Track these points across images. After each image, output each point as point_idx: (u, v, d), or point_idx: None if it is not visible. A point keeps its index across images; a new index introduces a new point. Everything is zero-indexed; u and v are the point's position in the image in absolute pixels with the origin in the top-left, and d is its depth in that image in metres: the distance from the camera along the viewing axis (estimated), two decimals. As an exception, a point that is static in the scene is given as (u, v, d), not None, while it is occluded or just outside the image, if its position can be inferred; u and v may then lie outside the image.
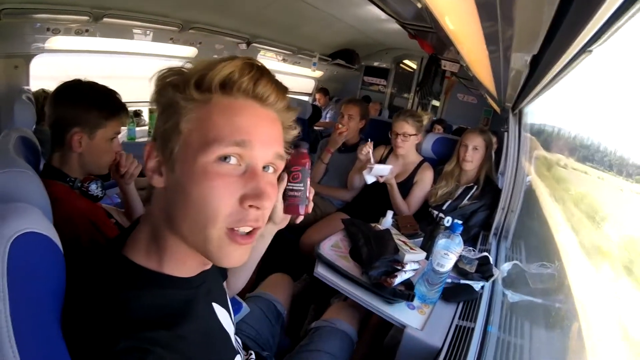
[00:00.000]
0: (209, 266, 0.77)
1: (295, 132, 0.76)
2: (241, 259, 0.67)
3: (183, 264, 0.71)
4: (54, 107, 1.26)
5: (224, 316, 0.86)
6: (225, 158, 0.61)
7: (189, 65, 0.66)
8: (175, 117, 0.63)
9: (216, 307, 0.84)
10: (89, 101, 1.27)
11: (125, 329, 0.59)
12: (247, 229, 0.65)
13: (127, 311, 0.61)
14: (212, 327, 0.81)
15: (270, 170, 0.69)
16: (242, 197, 0.62)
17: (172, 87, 0.63)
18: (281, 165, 0.71)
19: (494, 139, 4.50)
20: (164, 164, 0.65)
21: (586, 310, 0.96)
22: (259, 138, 0.64)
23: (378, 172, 2.36)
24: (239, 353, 0.93)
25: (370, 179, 2.37)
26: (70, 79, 1.30)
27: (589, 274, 1.08)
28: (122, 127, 1.42)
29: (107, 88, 1.33)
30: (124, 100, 1.36)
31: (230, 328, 0.89)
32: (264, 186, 0.63)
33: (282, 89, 0.68)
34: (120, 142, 1.42)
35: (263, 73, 0.65)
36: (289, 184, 0.91)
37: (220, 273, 0.98)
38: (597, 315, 0.89)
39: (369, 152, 2.38)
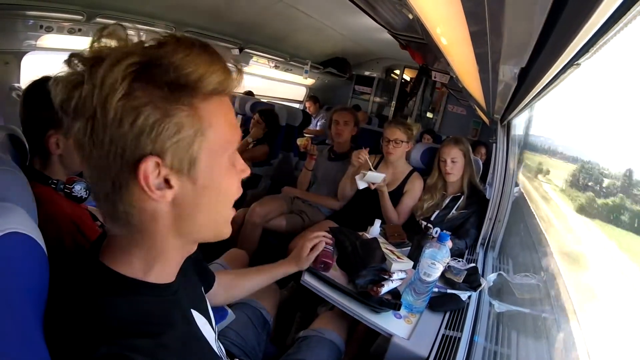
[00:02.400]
0: (180, 265, 0.76)
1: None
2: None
3: (168, 269, 0.70)
4: (25, 109, 1.19)
5: (203, 323, 0.85)
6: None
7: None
8: (187, 127, 0.60)
9: (195, 313, 0.82)
10: None
11: (105, 335, 0.57)
12: None
13: (105, 318, 0.60)
14: (192, 334, 0.79)
15: None
16: (237, 175, 0.70)
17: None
18: None
19: (483, 150, 4.56)
20: (177, 175, 0.61)
21: (573, 319, 0.97)
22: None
23: (371, 178, 2.37)
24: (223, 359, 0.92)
25: (361, 185, 2.39)
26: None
27: (576, 282, 1.09)
28: None
29: None
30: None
31: (210, 335, 0.87)
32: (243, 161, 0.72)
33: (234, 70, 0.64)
34: None
35: (222, 61, 0.61)
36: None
37: (199, 279, 0.97)
38: (583, 324, 0.90)
39: (366, 158, 2.40)
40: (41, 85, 1.21)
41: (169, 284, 0.72)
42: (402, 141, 2.49)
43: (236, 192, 0.70)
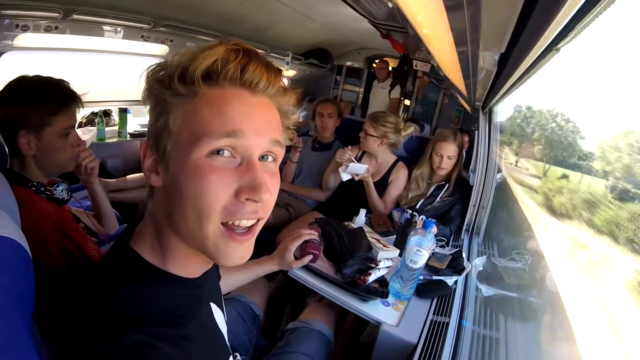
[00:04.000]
0: (210, 265, 0.75)
1: (295, 116, 0.71)
2: (243, 257, 0.64)
3: (187, 265, 0.69)
4: None
5: (219, 316, 0.86)
6: (217, 152, 0.58)
7: (177, 57, 0.62)
8: (164, 115, 0.60)
9: (213, 307, 0.83)
10: (29, 99, 1.17)
11: (132, 323, 0.58)
12: (246, 223, 0.62)
13: (132, 307, 0.61)
14: (211, 328, 0.80)
15: (270, 159, 0.65)
16: (238, 191, 0.59)
17: (158, 83, 0.61)
18: (281, 152, 0.66)
19: (466, 138, 4.60)
20: (159, 163, 0.63)
21: (560, 302, 0.98)
22: (252, 127, 0.60)
23: (353, 170, 2.38)
24: (231, 353, 0.92)
25: (345, 177, 2.40)
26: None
27: (561, 266, 1.11)
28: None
29: (50, 80, 1.22)
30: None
31: (224, 328, 0.88)
32: (260, 177, 0.60)
33: (273, 72, 0.63)
34: (79, 136, 1.33)
35: (251, 57, 0.60)
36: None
37: (216, 271, 0.97)
38: (570, 306, 0.92)
39: (350, 156, 2.42)
40: (13, 85, 1.18)
41: (194, 279, 0.72)
42: (369, 135, 2.54)
43: (211, 202, 0.58)
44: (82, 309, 0.61)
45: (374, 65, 5.24)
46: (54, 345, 0.64)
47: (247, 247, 0.64)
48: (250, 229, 0.63)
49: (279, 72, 0.64)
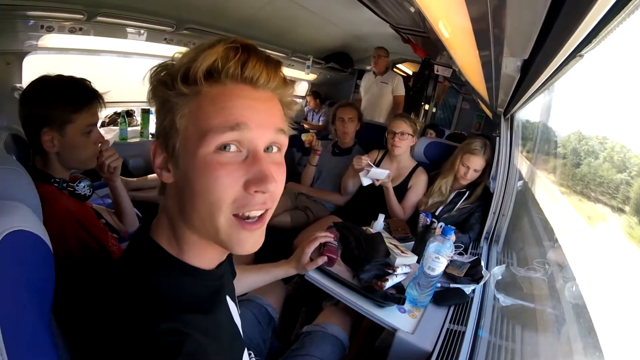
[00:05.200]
0: (224, 256, 0.77)
1: (297, 107, 0.73)
2: (256, 244, 0.67)
3: (202, 256, 0.71)
4: (21, 109, 1.22)
5: (234, 311, 0.88)
6: (224, 147, 0.60)
7: (178, 56, 0.63)
8: (170, 115, 0.62)
9: (229, 301, 0.85)
10: (52, 98, 1.21)
11: (162, 311, 0.60)
12: (256, 213, 0.64)
13: (160, 296, 0.63)
14: (229, 319, 0.83)
15: (274, 149, 0.67)
16: (246, 183, 0.61)
17: (161, 85, 0.62)
18: (285, 141, 0.68)
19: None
20: (169, 161, 0.65)
21: (581, 315, 0.96)
22: (255, 119, 0.61)
23: (374, 175, 2.37)
24: (246, 348, 0.95)
25: (366, 182, 2.39)
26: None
27: (582, 276, 1.09)
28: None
29: (72, 79, 1.26)
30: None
31: (238, 322, 0.90)
32: (266, 169, 0.62)
33: (273, 66, 0.64)
34: (102, 134, 1.37)
35: (250, 53, 0.62)
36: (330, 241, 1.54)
37: (230, 268, 0.98)
38: (590, 317, 0.90)
39: (368, 162, 2.39)
40: (37, 83, 1.23)
41: (211, 271, 0.74)
42: (408, 134, 2.49)
43: (221, 196, 0.61)
44: (110, 299, 0.62)
45: (373, 57, 4.65)
46: (71, 338, 0.65)
47: (259, 235, 0.66)
48: (260, 217, 0.66)
49: (278, 64, 0.66)
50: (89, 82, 1.29)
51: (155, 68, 0.64)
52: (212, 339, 0.65)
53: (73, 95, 1.24)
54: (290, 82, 0.68)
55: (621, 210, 0.90)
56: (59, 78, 1.24)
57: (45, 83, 1.23)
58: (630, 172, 0.88)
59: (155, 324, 0.57)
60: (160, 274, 0.66)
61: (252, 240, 0.65)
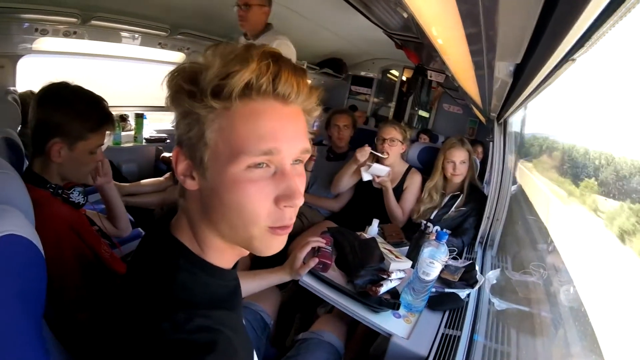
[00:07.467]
0: (240, 257, 0.78)
1: (317, 111, 0.72)
2: (281, 246, 0.68)
3: (222, 256, 0.72)
4: (37, 110, 1.20)
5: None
6: (255, 165, 0.61)
7: (200, 60, 0.61)
8: (198, 126, 0.61)
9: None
10: (73, 110, 1.20)
11: (193, 308, 0.61)
12: (287, 223, 0.66)
13: (188, 293, 0.64)
14: (241, 319, 0.85)
15: (298, 162, 0.67)
16: (277, 198, 0.62)
17: (188, 96, 0.60)
18: (308, 155, 0.69)
19: (480, 149, 4.56)
20: (195, 170, 0.64)
21: (576, 317, 0.96)
22: (286, 141, 0.62)
23: (376, 171, 2.41)
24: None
25: (366, 177, 2.43)
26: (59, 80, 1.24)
27: (580, 281, 1.09)
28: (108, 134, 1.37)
29: (94, 96, 1.27)
30: (110, 104, 1.32)
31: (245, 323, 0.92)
32: (295, 185, 0.63)
33: (301, 77, 0.63)
34: (102, 151, 1.38)
35: (280, 66, 0.60)
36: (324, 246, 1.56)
37: None
38: (586, 320, 0.90)
39: (369, 151, 2.43)
40: (58, 90, 1.22)
41: (229, 270, 0.75)
42: (397, 140, 2.50)
43: (255, 210, 0.61)
44: (132, 297, 0.63)
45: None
46: (66, 343, 0.65)
47: (285, 238, 0.68)
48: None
49: (305, 74, 0.65)
50: (106, 102, 1.31)
51: (177, 74, 0.62)
52: (239, 335, 0.67)
53: (93, 114, 1.25)
54: (314, 90, 0.68)
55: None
56: (81, 91, 1.25)
57: (67, 92, 1.23)
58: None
59: (188, 319, 0.58)
60: (186, 272, 0.66)
61: (280, 243, 0.67)
